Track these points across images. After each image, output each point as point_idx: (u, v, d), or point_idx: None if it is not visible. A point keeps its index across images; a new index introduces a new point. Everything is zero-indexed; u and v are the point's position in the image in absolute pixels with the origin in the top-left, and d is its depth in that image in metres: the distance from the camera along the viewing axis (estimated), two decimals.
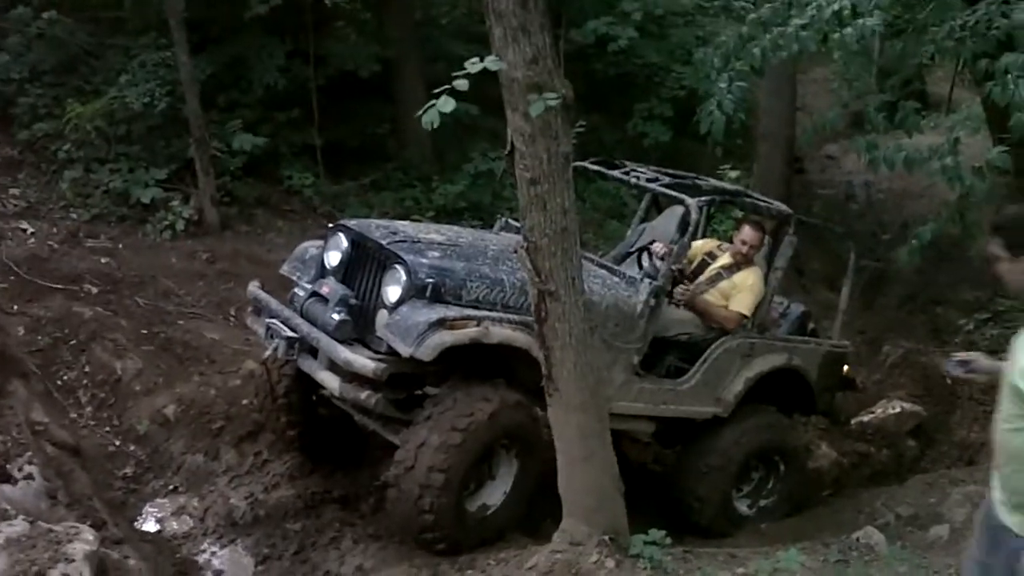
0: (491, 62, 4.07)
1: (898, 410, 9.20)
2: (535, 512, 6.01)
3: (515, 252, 4.90)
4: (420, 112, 3.92)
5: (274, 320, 6.07)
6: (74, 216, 9.82)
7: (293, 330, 5.91)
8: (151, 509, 6.65)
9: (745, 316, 6.79)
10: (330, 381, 5.69)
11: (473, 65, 3.95)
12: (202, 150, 10.10)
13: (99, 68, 11.29)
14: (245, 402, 7.25)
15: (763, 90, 12.90)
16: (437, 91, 3.91)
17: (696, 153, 14.05)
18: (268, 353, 5.99)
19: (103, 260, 9.12)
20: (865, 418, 9.08)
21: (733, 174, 11.75)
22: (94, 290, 8.49)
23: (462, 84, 3.87)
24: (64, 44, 11.19)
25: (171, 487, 6.81)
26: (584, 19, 13.78)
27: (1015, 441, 3.22)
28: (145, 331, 7.98)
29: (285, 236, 10.70)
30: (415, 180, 12.30)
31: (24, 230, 9.39)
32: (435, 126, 3.94)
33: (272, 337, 5.97)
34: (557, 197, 4.59)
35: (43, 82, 11.03)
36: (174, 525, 6.51)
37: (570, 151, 4.61)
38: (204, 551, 6.28)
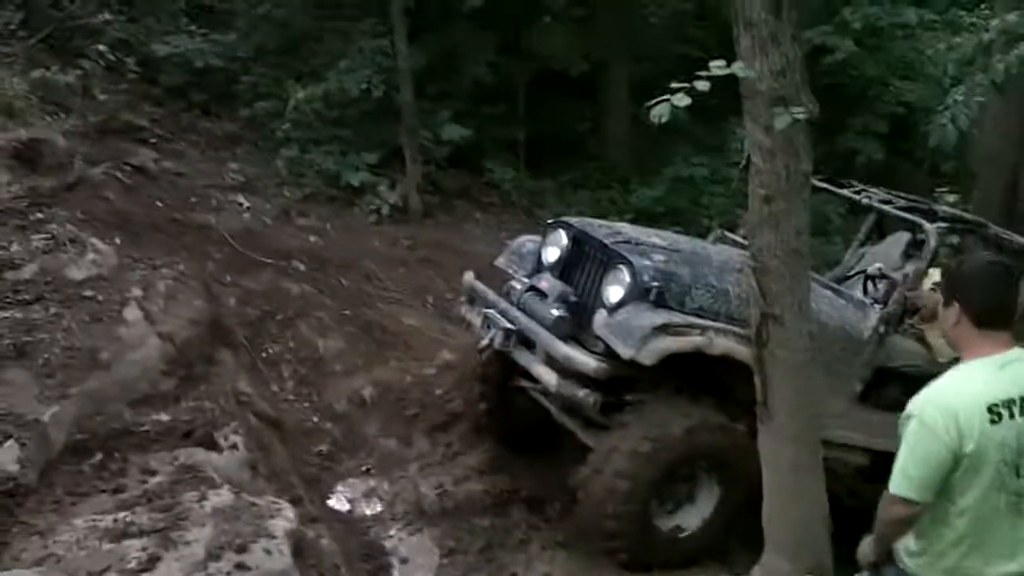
0: (739, 68, 3.91)
1: None
2: (729, 538, 5.80)
3: (740, 271, 4.71)
4: (650, 104, 3.77)
5: (491, 310, 6.08)
6: (287, 194, 10.14)
7: (511, 322, 5.91)
8: (342, 488, 6.76)
9: None
10: (547, 376, 5.65)
11: (719, 68, 3.78)
12: (411, 138, 10.28)
13: (319, 51, 11.66)
14: (439, 392, 7.31)
15: (989, 112, 12.16)
16: (676, 86, 3.75)
17: (909, 174, 13.46)
18: (484, 342, 6.01)
19: (312, 239, 9.38)
20: None
21: (951, 198, 11.12)
22: (302, 267, 8.73)
23: (703, 85, 3.70)
24: (287, 26, 11.60)
25: (363, 468, 6.91)
26: (801, 27, 13.31)
27: None
28: (348, 312, 8.14)
29: (483, 228, 10.79)
30: (613, 181, 12.24)
31: (240, 204, 9.75)
32: (663, 120, 3.78)
33: (489, 327, 5.99)
34: (792, 217, 4.39)
35: (266, 62, 11.50)
36: (364, 507, 6.60)
37: (810, 170, 4.42)
38: (391, 536, 6.33)
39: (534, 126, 11.95)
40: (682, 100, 3.71)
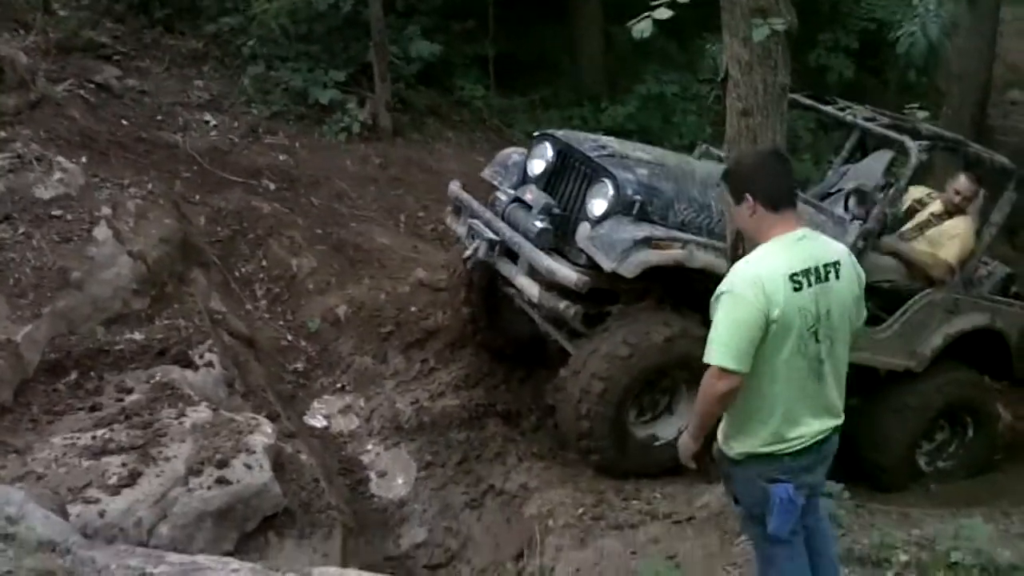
0: None
1: None
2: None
3: (718, 185, 4.71)
4: (633, 21, 3.74)
5: (476, 221, 6.10)
6: (254, 112, 9.97)
7: (495, 233, 5.93)
8: (319, 405, 6.82)
9: (952, 266, 6.52)
10: (529, 287, 5.70)
11: None
12: (380, 55, 10.10)
13: None
14: (414, 309, 7.33)
15: (960, 29, 12.14)
16: (656, 3, 3.72)
17: (877, 91, 13.44)
18: (468, 252, 6.06)
19: (281, 157, 9.27)
20: None
21: (921, 115, 11.13)
22: (272, 186, 8.65)
23: None
24: None
25: (339, 386, 6.96)
26: None
27: None
28: (319, 230, 8.09)
29: (453, 147, 10.69)
30: (584, 99, 12.09)
31: (207, 122, 9.59)
32: (645, 35, 3.76)
33: (473, 238, 6.03)
34: (769, 131, 4.40)
35: None
36: (341, 423, 6.67)
37: (787, 83, 4.41)
38: (369, 451, 6.42)
39: (504, 43, 11.76)
40: (663, 13, 3.68)
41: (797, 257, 3.36)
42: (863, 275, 3.58)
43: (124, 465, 4.78)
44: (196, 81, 10.27)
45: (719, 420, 3.57)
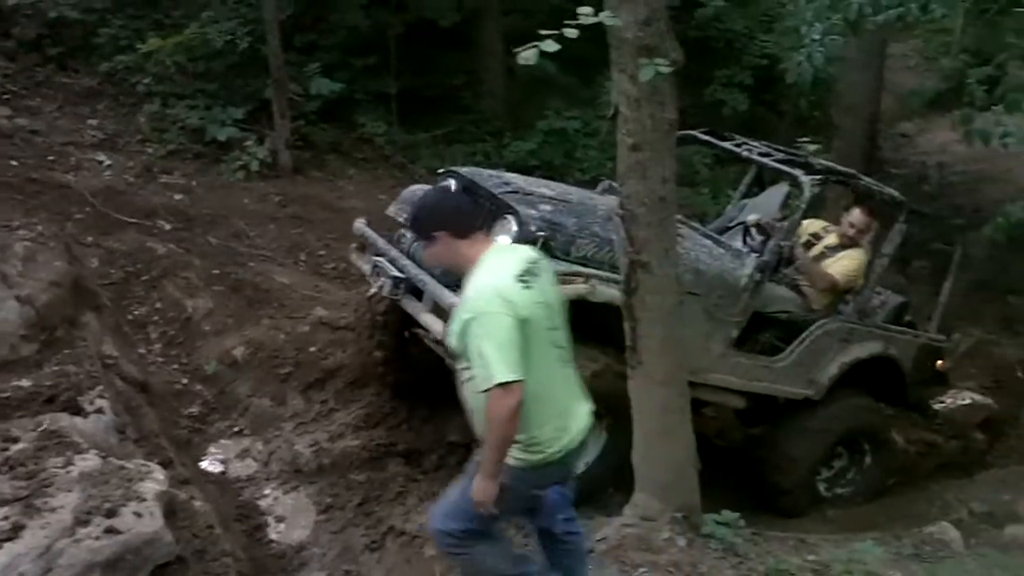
0: (606, 17, 3.91)
1: (968, 401, 9.00)
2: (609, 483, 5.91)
3: (609, 219, 4.77)
4: (520, 49, 3.76)
5: (381, 259, 6.08)
6: (150, 151, 9.82)
7: (400, 270, 5.91)
8: (215, 450, 6.65)
9: (835, 280, 6.71)
10: (434, 324, 5.66)
11: (586, 17, 3.78)
12: (280, 92, 10.04)
13: (181, 2, 11.27)
14: (313, 349, 7.24)
15: (849, 63, 12.57)
16: (545, 32, 3.74)
17: (772, 124, 13.79)
18: (374, 291, 6.06)
19: (177, 197, 9.12)
20: (935, 407, 8.88)
21: (812, 147, 11.44)
22: (167, 226, 8.50)
23: (571, 32, 3.69)
24: None
25: (236, 429, 6.82)
26: None
27: (465, 392, 3.76)
28: (217, 271, 7.96)
29: (356, 183, 10.66)
30: (487, 134, 12.19)
31: (100, 162, 9.41)
32: (532, 63, 3.77)
33: (378, 275, 5.99)
34: (658, 165, 4.45)
35: (125, 14, 11.05)
36: (238, 467, 6.52)
37: (675, 118, 4.47)
38: (267, 495, 6.28)
39: (407, 79, 11.79)
40: (550, 46, 3.70)
41: (512, 260, 3.67)
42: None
43: (7, 518, 4.59)
44: (90, 120, 10.09)
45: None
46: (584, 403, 3.91)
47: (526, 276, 3.61)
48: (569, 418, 3.79)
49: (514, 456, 3.67)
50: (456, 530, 3.94)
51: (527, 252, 3.81)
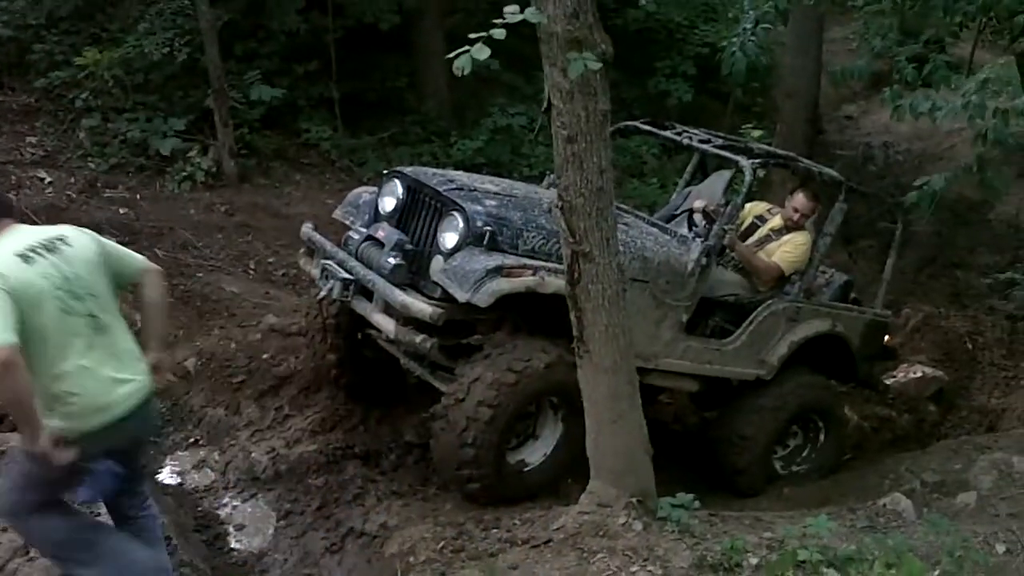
0: (532, 14, 3.94)
1: (919, 375, 9.15)
2: (567, 472, 5.96)
3: (549, 211, 4.81)
4: (452, 55, 3.77)
5: (329, 261, 6.09)
6: (92, 166, 9.71)
7: (348, 272, 5.94)
8: (172, 462, 6.62)
9: (780, 269, 6.78)
10: (385, 324, 5.71)
11: (512, 15, 3.81)
12: (220, 101, 9.98)
13: (116, 16, 11.16)
14: (266, 356, 7.22)
15: (788, 49, 12.72)
16: (474, 36, 3.75)
17: (717, 112, 13.92)
18: (323, 294, 6.07)
19: (121, 211, 9.04)
20: (886, 382, 9.02)
21: (756, 133, 11.58)
22: (113, 241, 8.39)
23: (499, 33, 3.72)
24: None
25: (192, 440, 6.78)
26: None
27: None
28: (165, 283, 7.87)
29: (303, 189, 10.62)
30: (433, 135, 12.18)
31: (42, 179, 9.31)
32: (465, 72, 3.79)
33: (327, 278, 6.03)
34: (594, 156, 4.49)
35: (60, 29, 10.89)
36: (195, 478, 6.48)
37: (608, 109, 4.51)
38: (225, 505, 6.25)
39: (349, 83, 11.76)
40: (482, 52, 3.71)
41: (20, 242, 3.86)
42: (95, 235, 4.15)
43: None
44: (29, 138, 9.97)
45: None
46: (133, 371, 4.06)
47: (31, 252, 3.82)
48: (108, 386, 3.93)
49: (52, 425, 3.81)
50: (15, 503, 4.08)
51: (47, 232, 4.02)
